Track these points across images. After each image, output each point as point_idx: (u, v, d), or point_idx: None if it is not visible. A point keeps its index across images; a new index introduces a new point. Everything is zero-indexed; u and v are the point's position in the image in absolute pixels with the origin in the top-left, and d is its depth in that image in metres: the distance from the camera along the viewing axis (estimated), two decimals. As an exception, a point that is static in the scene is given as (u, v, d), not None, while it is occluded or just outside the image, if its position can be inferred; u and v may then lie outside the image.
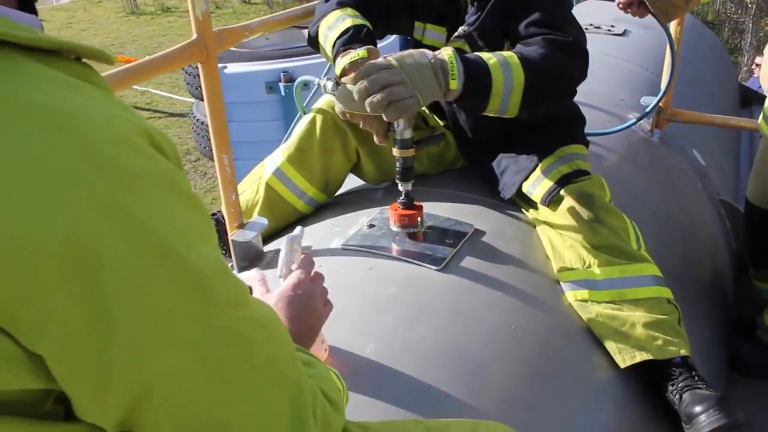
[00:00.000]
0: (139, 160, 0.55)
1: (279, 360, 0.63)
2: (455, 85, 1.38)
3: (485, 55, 1.45)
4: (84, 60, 0.62)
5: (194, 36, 1.46)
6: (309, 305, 1.02)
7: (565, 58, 1.54)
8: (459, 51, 1.42)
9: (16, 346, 0.50)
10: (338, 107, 1.53)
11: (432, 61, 1.37)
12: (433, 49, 1.66)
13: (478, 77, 1.41)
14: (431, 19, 1.77)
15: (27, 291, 0.48)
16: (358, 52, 1.50)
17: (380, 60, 1.37)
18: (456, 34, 1.72)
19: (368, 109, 1.36)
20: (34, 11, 0.64)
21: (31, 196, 0.49)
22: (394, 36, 4.13)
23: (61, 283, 0.49)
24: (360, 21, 1.61)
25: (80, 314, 0.50)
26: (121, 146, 0.54)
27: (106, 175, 0.52)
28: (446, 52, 1.40)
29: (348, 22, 1.59)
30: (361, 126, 1.56)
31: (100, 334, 0.51)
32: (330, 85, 1.51)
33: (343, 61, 1.51)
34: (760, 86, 4.70)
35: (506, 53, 1.48)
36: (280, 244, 1.20)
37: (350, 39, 1.56)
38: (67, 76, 0.57)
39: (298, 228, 1.13)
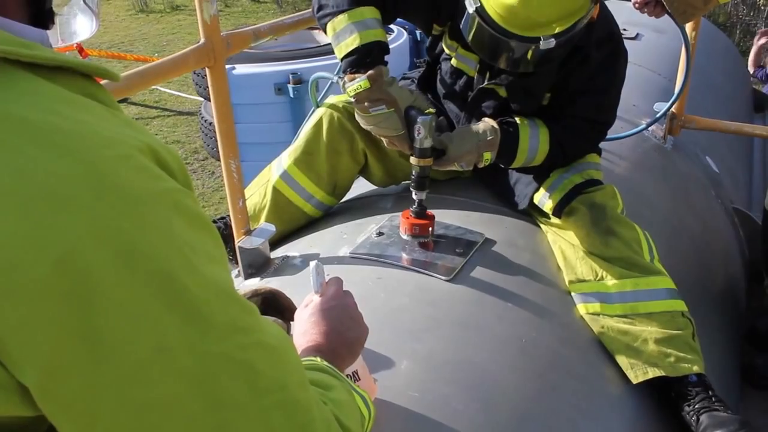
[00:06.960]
0: (141, 180, 0.53)
1: (288, 385, 0.61)
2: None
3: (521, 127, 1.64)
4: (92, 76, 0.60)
5: (202, 40, 1.44)
6: (345, 316, 1.00)
7: (592, 143, 1.77)
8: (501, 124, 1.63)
9: (7, 373, 0.48)
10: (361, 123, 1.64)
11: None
12: (461, 73, 1.72)
13: (507, 152, 1.64)
14: (464, 43, 1.62)
15: (15, 318, 0.47)
16: (360, 84, 1.53)
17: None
18: (496, 80, 1.65)
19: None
20: (45, 25, 0.62)
21: (24, 219, 0.47)
22: (405, 37, 4.08)
23: (50, 311, 0.47)
24: (369, 38, 1.53)
25: (69, 344, 0.48)
26: (123, 166, 0.52)
27: (104, 197, 0.50)
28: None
29: (355, 41, 1.52)
30: (386, 144, 1.65)
31: (88, 365, 0.49)
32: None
33: (349, 87, 1.55)
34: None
35: (541, 128, 1.64)
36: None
37: (356, 62, 1.54)
38: (71, 93, 0.55)
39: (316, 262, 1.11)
